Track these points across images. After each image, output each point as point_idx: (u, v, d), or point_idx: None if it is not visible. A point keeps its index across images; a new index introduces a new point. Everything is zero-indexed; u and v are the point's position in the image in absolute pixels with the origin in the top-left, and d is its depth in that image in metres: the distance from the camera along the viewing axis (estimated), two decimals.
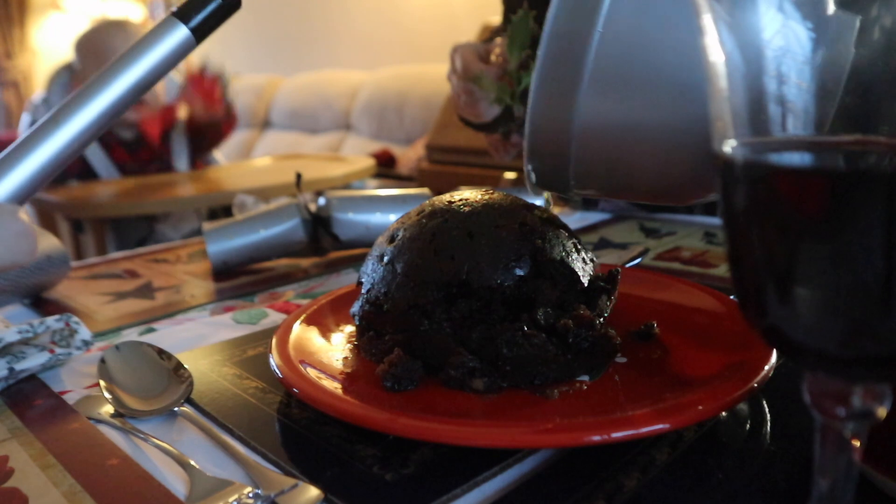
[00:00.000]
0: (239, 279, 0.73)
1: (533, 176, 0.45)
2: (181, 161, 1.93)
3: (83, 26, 1.97)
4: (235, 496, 0.32)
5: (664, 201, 0.50)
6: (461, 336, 0.42)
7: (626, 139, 0.41)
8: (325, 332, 0.49)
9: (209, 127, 1.88)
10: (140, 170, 1.86)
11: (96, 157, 1.81)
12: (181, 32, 0.31)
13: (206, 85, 1.86)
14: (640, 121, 0.40)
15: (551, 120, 0.41)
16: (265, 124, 4.06)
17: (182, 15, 0.31)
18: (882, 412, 0.22)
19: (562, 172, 0.43)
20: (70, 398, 0.45)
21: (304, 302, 0.63)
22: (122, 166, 1.84)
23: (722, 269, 0.69)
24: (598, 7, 0.38)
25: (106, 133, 1.82)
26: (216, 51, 4.96)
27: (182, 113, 1.93)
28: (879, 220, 0.19)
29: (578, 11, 0.38)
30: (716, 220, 0.91)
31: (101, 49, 1.78)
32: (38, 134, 0.28)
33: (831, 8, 0.22)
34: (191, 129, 1.91)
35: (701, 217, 0.93)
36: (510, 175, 2.03)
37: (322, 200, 0.77)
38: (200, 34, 0.32)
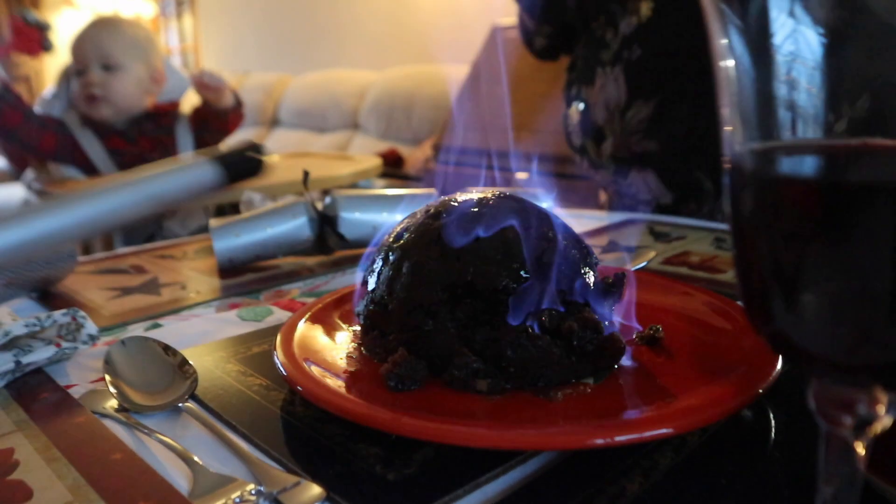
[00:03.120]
0: (245, 276, 0.73)
1: None
2: (186, 155, 1.92)
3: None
4: (238, 493, 0.32)
5: None
6: (465, 337, 0.42)
7: None
8: (330, 331, 0.49)
9: (214, 117, 1.87)
10: (140, 158, 1.85)
11: (92, 147, 1.80)
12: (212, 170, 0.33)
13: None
14: None
15: None
16: (273, 122, 4.07)
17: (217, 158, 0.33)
18: (888, 420, 0.22)
19: None
20: (75, 392, 0.45)
21: (310, 300, 0.63)
22: (120, 154, 1.83)
23: (729, 275, 0.68)
24: None
25: (98, 124, 1.82)
26: (228, 48, 4.97)
27: (187, 105, 1.92)
28: (887, 226, 0.19)
29: None
30: (726, 226, 0.90)
31: (88, 46, 1.79)
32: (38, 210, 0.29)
33: (840, 13, 0.22)
34: (195, 122, 1.90)
35: (711, 223, 0.93)
36: (519, 175, 2.03)
37: (329, 199, 0.77)
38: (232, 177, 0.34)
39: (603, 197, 1.21)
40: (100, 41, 1.80)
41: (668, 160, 0.97)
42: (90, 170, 1.83)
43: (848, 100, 0.21)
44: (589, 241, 0.49)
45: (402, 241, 0.46)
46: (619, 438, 0.32)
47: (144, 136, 1.86)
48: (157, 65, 1.89)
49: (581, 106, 1.07)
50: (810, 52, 0.21)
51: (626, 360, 0.43)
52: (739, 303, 0.47)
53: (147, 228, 1.76)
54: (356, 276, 0.49)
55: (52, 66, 4.79)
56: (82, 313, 0.50)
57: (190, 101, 1.98)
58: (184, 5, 5.29)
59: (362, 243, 0.76)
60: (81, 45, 1.81)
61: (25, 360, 0.46)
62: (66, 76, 1.89)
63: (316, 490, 0.32)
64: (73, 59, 1.82)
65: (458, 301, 0.42)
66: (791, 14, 0.21)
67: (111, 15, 2.59)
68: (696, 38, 0.89)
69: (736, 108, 0.22)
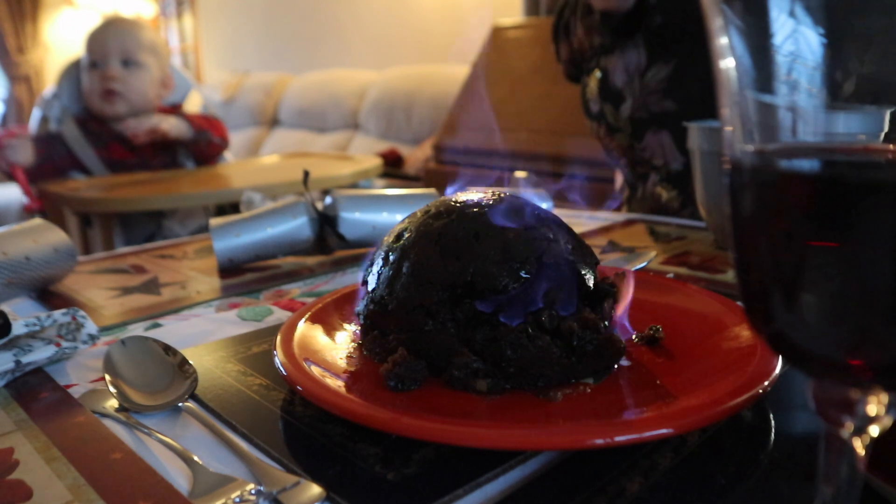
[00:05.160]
0: (245, 276, 0.73)
1: None
2: (189, 162, 1.92)
3: (95, 22, 1.97)
4: (238, 492, 0.32)
5: None
6: (465, 337, 0.42)
7: None
8: (330, 331, 0.49)
9: (190, 144, 1.88)
10: (144, 165, 1.84)
11: (87, 157, 1.79)
12: None
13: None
14: None
15: None
16: (273, 122, 4.06)
17: None
18: (888, 421, 0.22)
19: None
20: (75, 392, 0.45)
21: (310, 300, 0.63)
22: (123, 163, 1.82)
23: (729, 275, 0.68)
24: None
25: (102, 129, 1.81)
26: (228, 48, 4.97)
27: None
28: (887, 227, 0.19)
29: None
30: None
31: (109, 40, 1.79)
32: None
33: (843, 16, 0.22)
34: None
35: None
36: (520, 174, 2.03)
37: (329, 199, 0.77)
38: None
39: (618, 182, 1.21)
40: (121, 37, 1.81)
41: (684, 119, 0.99)
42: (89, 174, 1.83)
43: (856, 56, 0.21)
44: (589, 242, 0.49)
45: (402, 241, 0.46)
46: (619, 438, 0.32)
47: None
48: (168, 70, 1.91)
49: (599, 74, 1.09)
50: (811, 53, 0.21)
51: (625, 361, 0.43)
52: (739, 303, 0.47)
53: (147, 227, 1.76)
54: (358, 276, 0.49)
55: (53, 66, 4.79)
56: (82, 313, 0.50)
57: (193, 102, 1.98)
58: (184, 5, 5.29)
59: (362, 243, 0.76)
60: (102, 39, 1.81)
61: (25, 359, 0.46)
62: (75, 70, 1.89)
63: (316, 490, 0.32)
64: (89, 52, 1.82)
65: (459, 301, 0.42)
66: (791, 14, 0.21)
67: (129, 16, 2.60)
68: None
69: (736, 108, 0.22)
